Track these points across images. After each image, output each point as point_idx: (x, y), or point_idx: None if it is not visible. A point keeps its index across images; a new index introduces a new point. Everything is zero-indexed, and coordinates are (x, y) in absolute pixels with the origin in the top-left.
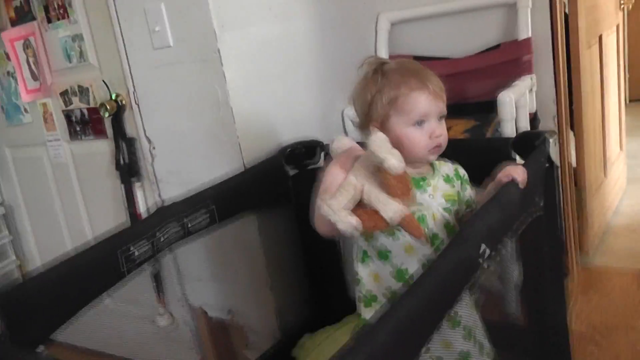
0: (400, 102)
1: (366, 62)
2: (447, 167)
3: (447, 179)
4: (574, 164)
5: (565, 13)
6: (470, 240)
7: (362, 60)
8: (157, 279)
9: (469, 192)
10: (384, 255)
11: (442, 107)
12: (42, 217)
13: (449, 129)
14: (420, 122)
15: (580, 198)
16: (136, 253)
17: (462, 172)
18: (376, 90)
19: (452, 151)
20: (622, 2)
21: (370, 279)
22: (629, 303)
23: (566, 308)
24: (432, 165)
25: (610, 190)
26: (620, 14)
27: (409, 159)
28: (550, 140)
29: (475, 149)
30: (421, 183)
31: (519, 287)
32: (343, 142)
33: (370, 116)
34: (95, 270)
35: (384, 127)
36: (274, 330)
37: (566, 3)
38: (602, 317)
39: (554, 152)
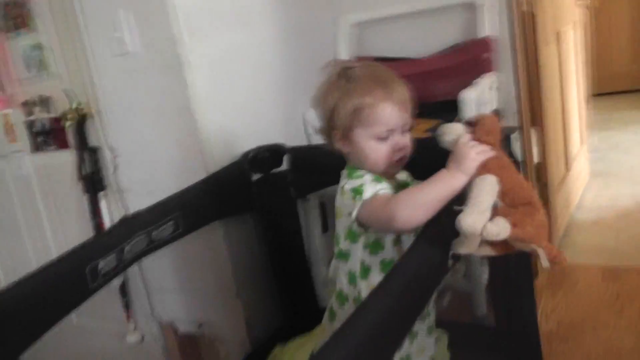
0: (365, 114)
1: (331, 64)
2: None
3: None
4: (537, 159)
5: (523, 11)
6: (437, 241)
7: (326, 63)
8: (125, 294)
9: None
10: (390, 266)
11: (407, 119)
12: (5, 231)
13: (412, 128)
14: (384, 136)
15: (543, 193)
16: (104, 269)
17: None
18: (339, 97)
19: (416, 150)
20: None
21: None
22: (596, 298)
23: (536, 307)
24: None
25: (573, 184)
26: (578, 10)
27: (374, 171)
28: (512, 136)
29: (438, 147)
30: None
31: (488, 288)
32: (456, 130)
33: (333, 123)
34: (63, 288)
35: (346, 137)
36: (244, 342)
37: (525, 1)
38: (570, 314)
39: (516, 148)
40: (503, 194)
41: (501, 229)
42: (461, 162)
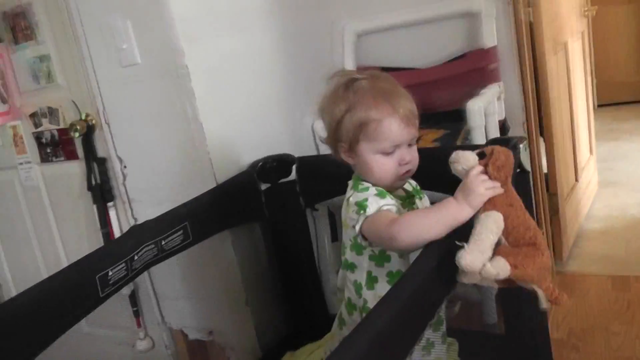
0: (371, 129)
1: (337, 74)
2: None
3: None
4: (545, 169)
5: (529, 21)
6: (446, 252)
7: (332, 73)
8: (135, 302)
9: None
10: (397, 277)
11: (413, 133)
12: (15, 241)
13: (418, 139)
14: (390, 151)
15: (552, 203)
16: (114, 277)
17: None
18: (346, 109)
19: (423, 161)
20: (585, 9)
21: None
22: (606, 307)
23: (545, 316)
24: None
25: (582, 194)
26: (584, 20)
27: (380, 184)
28: (520, 146)
29: (446, 157)
30: (418, 196)
31: (497, 296)
32: (468, 160)
33: (339, 135)
34: (73, 296)
35: (351, 150)
36: (255, 349)
37: (530, 11)
38: (580, 322)
39: (524, 157)
40: (507, 232)
41: (500, 270)
42: (469, 195)
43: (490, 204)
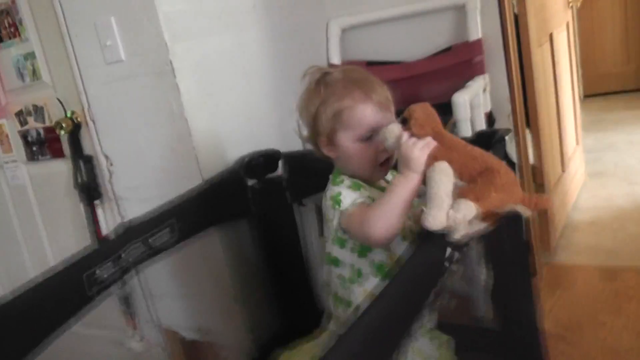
0: (346, 116)
1: (308, 72)
2: None
3: None
4: (532, 160)
5: (514, 13)
6: (436, 243)
7: (305, 70)
8: (126, 300)
9: None
10: (382, 270)
11: (389, 118)
12: (1, 241)
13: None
14: (368, 137)
15: (540, 194)
16: (102, 276)
17: None
18: (320, 103)
19: None
20: (570, 0)
21: (365, 300)
22: (595, 298)
23: (535, 307)
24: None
25: (569, 185)
26: (570, 12)
27: (362, 176)
28: (507, 138)
29: None
30: None
31: (488, 289)
32: (394, 131)
33: (317, 130)
34: (61, 295)
35: (331, 142)
36: (247, 346)
37: (515, 3)
38: (569, 313)
39: (511, 149)
40: (459, 174)
41: (464, 210)
42: (408, 162)
43: (431, 159)
